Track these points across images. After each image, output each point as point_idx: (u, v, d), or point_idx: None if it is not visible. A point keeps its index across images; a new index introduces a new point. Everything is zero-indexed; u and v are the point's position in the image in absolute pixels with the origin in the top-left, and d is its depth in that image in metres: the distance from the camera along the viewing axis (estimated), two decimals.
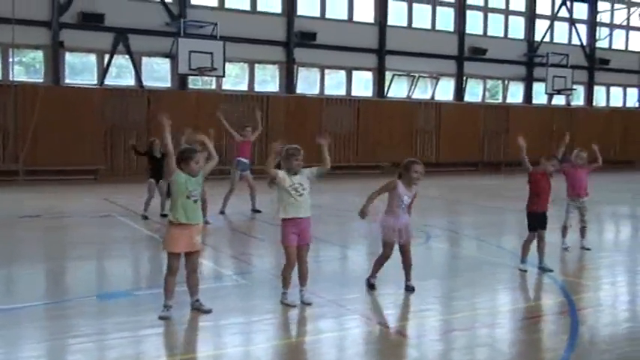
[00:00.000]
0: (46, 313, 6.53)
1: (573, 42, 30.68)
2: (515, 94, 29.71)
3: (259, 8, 23.36)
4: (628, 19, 32.15)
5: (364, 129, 24.52)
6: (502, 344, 5.92)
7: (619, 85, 32.65)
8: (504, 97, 29.38)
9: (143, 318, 6.25)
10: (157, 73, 22.24)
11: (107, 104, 20.33)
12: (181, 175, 6.24)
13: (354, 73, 25.56)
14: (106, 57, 20.96)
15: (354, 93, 25.49)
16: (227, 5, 22.78)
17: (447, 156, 26.28)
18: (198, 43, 20.64)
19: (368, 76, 25.92)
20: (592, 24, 31.24)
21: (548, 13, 29.94)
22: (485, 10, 28.30)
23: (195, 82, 22.69)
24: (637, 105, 33.20)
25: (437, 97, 27.07)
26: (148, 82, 21.67)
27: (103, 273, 8.81)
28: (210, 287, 7.25)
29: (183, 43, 20.45)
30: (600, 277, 8.61)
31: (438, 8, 27.08)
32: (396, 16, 26.11)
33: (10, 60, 19.59)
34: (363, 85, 25.92)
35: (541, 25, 29.60)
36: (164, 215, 11.85)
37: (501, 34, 28.80)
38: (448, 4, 27.27)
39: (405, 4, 26.26)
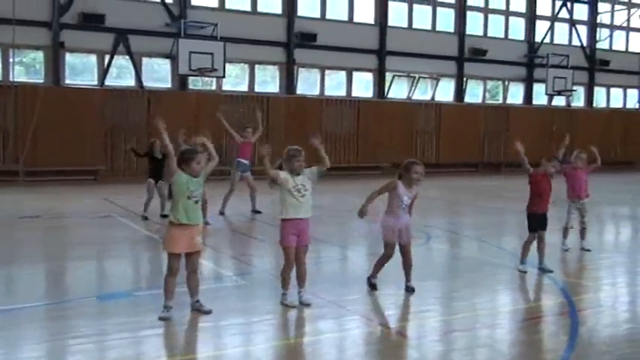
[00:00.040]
0: (46, 313, 6.53)
1: (573, 43, 30.68)
2: (516, 95, 29.71)
3: (259, 9, 23.36)
4: (628, 20, 32.15)
5: (364, 130, 24.52)
6: (502, 345, 5.92)
7: (619, 86, 32.65)
8: (504, 98, 29.38)
9: (143, 319, 6.25)
10: (158, 73, 22.25)
11: (107, 105, 20.33)
12: (182, 175, 6.25)
13: (355, 73, 25.57)
14: (107, 57, 20.97)
15: (354, 94, 25.49)
16: (227, 6, 22.79)
17: (448, 157, 26.28)
18: (198, 43, 20.65)
19: (368, 76, 25.93)
20: (592, 25, 31.24)
21: (549, 14, 29.94)
22: (486, 11, 28.31)
23: (196, 83, 22.69)
24: (637, 106, 33.19)
25: (437, 98, 27.07)
26: (148, 83, 21.68)
27: (103, 274, 8.81)
28: (210, 288, 7.25)
29: (183, 44, 20.45)
30: (600, 278, 8.61)
31: (439, 9, 27.09)
32: (397, 16, 26.11)
33: (11, 60, 19.60)
34: (363, 85, 25.92)
35: (541, 26, 29.60)
36: (164, 216, 11.86)
37: (502, 35, 28.80)
38: (448, 5, 27.27)
39: (405, 5, 26.26)
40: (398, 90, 26.25)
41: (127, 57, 21.23)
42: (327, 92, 24.95)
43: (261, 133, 14.05)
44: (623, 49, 32.51)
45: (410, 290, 7.31)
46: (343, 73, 25.40)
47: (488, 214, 14.53)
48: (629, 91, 33.06)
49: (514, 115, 27.94)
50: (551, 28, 29.87)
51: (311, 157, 6.83)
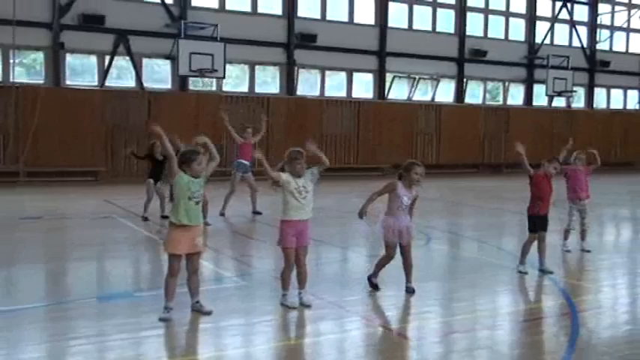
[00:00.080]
0: (46, 314, 6.53)
1: (574, 44, 30.68)
2: (516, 96, 29.71)
3: (260, 10, 23.37)
4: (628, 21, 32.16)
5: (364, 131, 24.52)
6: (502, 346, 5.92)
7: (619, 87, 32.66)
8: (505, 99, 29.38)
9: (143, 319, 6.25)
10: (158, 74, 22.25)
11: (108, 105, 20.34)
12: (184, 177, 6.25)
13: (355, 74, 25.57)
14: (107, 58, 20.97)
15: (354, 95, 25.49)
16: (227, 7, 22.79)
17: (448, 158, 26.28)
18: (198, 44, 20.66)
19: (368, 77, 25.93)
20: (592, 26, 31.25)
21: (549, 15, 29.95)
22: (486, 11, 28.31)
23: (196, 84, 22.70)
24: (637, 107, 33.19)
25: (437, 99, 27.07)
26: (148, 84, 21.68)
27: (104, 274, 8.81)
28: (211, 289, 7.26)
29: (183, 45, 20.47)
30: (600, 280, 8.61)
31: (439, 10, 27.10)
32: (397, 17, 26.12)
33: (11, 61, 19.60)
34: (363, 86, 25.92)
35: (541, 27, 29.61)
36: (164, 217, 11.86)
37: (502, 36, 28.81)
38: (448, 6, 27.28)
39: (405, 6, 26.27)
40: (398, 91, 26.26)
41: (128, 58, 21.24)
42: (328, 93, 24.95)
43: (262, 136, 14.03)
44: (624, 50, 32.52)
45: (410, 291, 7.31)
46: (343, 74, 25.41)
47: (488, 215, 14.53)
48: (629, 92, 33.07)
49: (514, 116, 27.94)
50: (552, 29, 29.88)
51: (311, 158, 6.84)
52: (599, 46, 31.38)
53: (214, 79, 22.27)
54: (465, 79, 27.72)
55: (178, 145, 7.71)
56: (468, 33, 27.58)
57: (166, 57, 21.83)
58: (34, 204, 14.74)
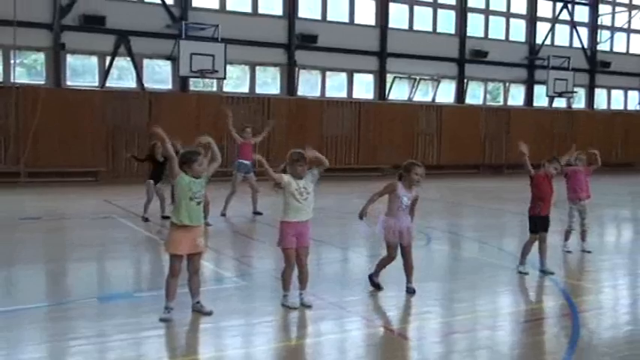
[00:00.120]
0: (46, 314, 6.53)
1: (574, 45, 30.68)
2: (516, 96, 29.71)
3: (260, 10, 23.37)
4: (629, 21, 32.16)
5: (365, 131, 24.52)
6: (503, 347, 5.91)
7: (620, 88, 32.65)
8: (505, 100, 29.38)
9: (144, 320, 6.25)
10: (158, 75, 22.26)
11: (108, 106, 20.34)
12: (185, 177, 6.25)
13: (355, 75, 25.57)
14: (108, 59, 20.98)
15: (355, 95, 25.49)
16: (228, 7, 22.80)
17: (448, 158, 26.28)
18: (199, 45, 20.66)
19: (369, 78, 25.93)
20: (593, 27, 31.25)
21: (550, 15, 29.95)
22: (487, 12, 28.31)
23: (197, 84, 22.71)
24: (638, 108, 33.18)
25: (438, 100, 27.07)
26: (149, 84, 21.69)
27: (104, 275, 8.82)
28: (211, 289, 7.26)
29: (184, 45, 20.47)
30: (601, 280, 8.60)
31: (439, 11, 27.10)
32: (397, 18, 26.12)
33: (12, 62, 19.60)
34: (364, 87, 25.92)
35: (542, 28, 29.61)
36: (165, 217, 11.87)
37: (502, 37, 28.81)
38: (449, 7, 27.28)
39: (406, 7, 26.27)
40: (399, 91, 26.27)
41: (128, 58, 21.25)
42: (328, 94, 24.95)
43: (263, 139, 14.02)
44: (624, 50, 32.51)
45: (411, 291, 7.31)
46: (344, 75, 25.41)
47: (489, 216, 14.53)
48: (629, 92, 33.06)
49: (515, 117, 27.93)
50: (552, 29, 29.88)
51: (312, 160, 6.85)
52: (599, 47, 31.37)
53: (215, 80, 22.28)
54: (465, 80, 27.72)
55: (177, 147, 7.72)
56: (468, 34, 27.58)
57: (167, 58, 21.84)
58: (35, 204, 14.75)
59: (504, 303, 7.50)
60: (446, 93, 27.57)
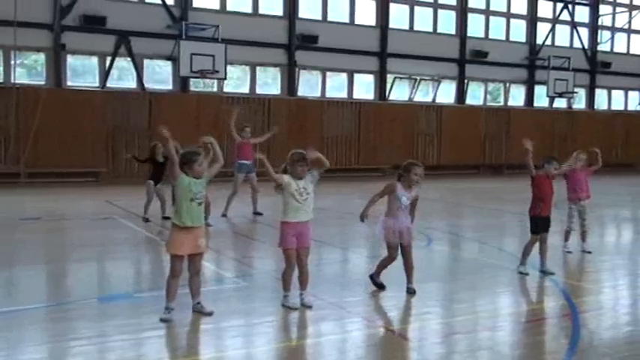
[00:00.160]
0: (47, 315, 6.54)
1: (575, 45, 30.68)
2: (517, 97, 29.71)
3: (261, 11, 23.37)
4: (629, 22, 32.16)
5: (365, 132, 24.53)
6: (503, 347, 5.91)
7: (620, 89, 32.65)
8: (506, 100, 29.38)
9: (144, 320, 6.25)
10: (159, 75, 22.27)
11: (109, 106, 20.34)
12: (185, 178, 6.26)
13: (356, 75, 25.57)
14: (108, 59, 20.98)
15: (355, 96, 25.49)
16: (229, 8, 22.80)
17: (449, 159, 26.28)
18: (199, 45, 20.66)
19: (369, 78, 25.93)
20: (593, 27, 31.25)
21: (550, 16, 29.95)
22: (487, 13, 28.32)
23: (197, 85, 22.72)
24: (638, 108, 33.18)
25: (438, 100, 27.08)
26: (149, 85, 21.69)
27: (104, 275, 8.81)
28: (212, 290, 7.26)
29: (184, 46, 20.47)
30: (601, 281, 8.60)
31: (440, 11, 27.10)
32: (398, 18, 26.12)
33: (12, 62, 19.61)
34: (364, 87, 25.92)
35: (543, 28, 29.61)
36: (165, 218, 11.87)
37: (503, 37, 28.81)
38: (450, 7, 27.27)
39: (406, 7, 26.28)
40: (399, 92, 26.27)
41: (129, 59, 21.26)
42: (328, 94, 24.96)
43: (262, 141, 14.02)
44: (625, 51, 32.51)
45: (411, 292, 7.31)
46: (344, 75, 25.41)
47: (489, 216, 14.53)
48: (630, 93, 33.05)
49: (515, 117, 27.93)
50: (553, 30, 29.88)
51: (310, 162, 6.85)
52: (600, 48, 31.37)
53: (215, 80, 22.28)
54: (465, 80, 27.72)
55: (177, 148, 7.72)
56: (468, 34, 27.57)
57: (167, 58, 21.85)
58: (35, 204, 14.75)
59: (505, 303, 7.50)
60: (446, 93, 27.57)
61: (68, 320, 6.30)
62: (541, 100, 29.68)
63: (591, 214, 10.38)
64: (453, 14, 27.44)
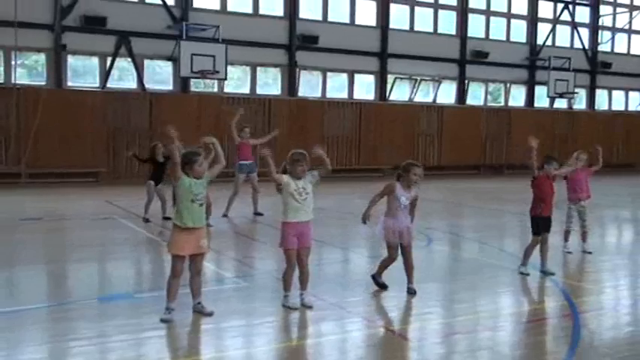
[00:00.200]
0: (47, 315, 6.54)
1: (575, 45, 30.66)
2: (517, 97, 29.70)
3: (261, 11, 23.37)
4: (630, 22, 32.15)
5: (366, 132, 24.51)
6: (503, 347, 5.91)
7: (621, 89, 32.63)
8: (506, 101, 29.36)
9: (144, 320, 6.25)
10: (159, 75, 22.26)
11: (109, 107, 20.34)
12: (186, 179, 6.26)
13: (356, 76, 25.56)
14: (109, 60, 20.98)
15: (356, 96, 25.47)
16: (229, 8, 22.80)
17: (449, 159, 26.27)
18: (200, 46, 20.66)
19: (370, 79, 25.93)
20: (594, 27, 31.24)
21: (551, 16, 29.94)
22: (488, 13, 28.31)
23: (198, 85, 22.72)
24: (639, 108, 33.16)
25: (439, 101, 27.07)
26: (150, 85, 21.69)
27: (104, 275, 8.81)
28: (212, 290, 7.27)
29: (185, 46, 20.47)
30: (602, 281, 8.60)
31: (440, 11, 27.09)
32: (398, 19, 26.12)
33: (13, 63, 19.61)
34: (365, 88, 25.91)
35: (543, 29, 29.60)
36: (166, 218, 11.88)
37: (503, 38, 28.80)
38: (450, 8, 27.26)
39: (407, 8, 26.27)
40: (400, 92, 26.26)
41: (129, 59, 21.25)
42: (329, 94, 24.95)
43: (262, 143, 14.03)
44: (625, 51, 32.48)
45: (411, 292, 7.32)
46: (345, 76, 25.41)
47: (489, 216, 14.53)
48: (630, 93, 33.04)
49: (516, 118, 27.92)
50: (553, 30, 29.87)
51: (314, 160, 6.85)
52: (600, 48, 31.36)
53: (216, 81, 22.27)
54: (466, 81, 27.71)
55: (180, 149, 7.70)
56: (469, 34, 27.56)
57: (168, 58, 21.85)
58: (35, 205, 14.75)
59: (505, 304, 7.51)
60: (447, 94, 27.56)
61: (68, 320, 6.30)
62: (541, 100, 29.67)
63: (591, 214, 10.38)
64: (453, 14, 27.43)
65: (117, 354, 5.48)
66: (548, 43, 29.52)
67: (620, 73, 31.64)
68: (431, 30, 26.86)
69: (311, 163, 6.76)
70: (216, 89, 22.90)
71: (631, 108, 33.10)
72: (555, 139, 27.36)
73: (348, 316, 6.60)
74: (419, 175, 7.23)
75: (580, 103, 31.35)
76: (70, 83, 20.71)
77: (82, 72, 21.27)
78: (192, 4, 21.95)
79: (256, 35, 22.79)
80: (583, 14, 31.02)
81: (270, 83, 24.16)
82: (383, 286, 7.47)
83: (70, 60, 20.80)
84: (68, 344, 5.69)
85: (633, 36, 32.63)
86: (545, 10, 29.71)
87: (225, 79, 21.73)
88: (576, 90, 28.92)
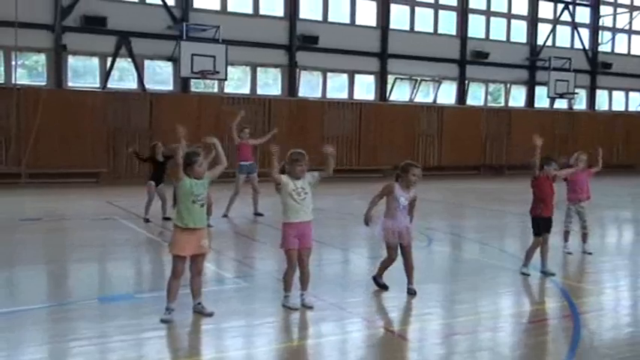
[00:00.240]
0: (47, 315, 6.54)
1: (576, 46, 30.66)
2: (518, 97, 29.70)
3: (261, 12, 23.37)
4: (630, 23, 32.14)
5: (366, 132, 24.51)
6: (504, 348, 5.91)
7: (621, 89, 32.63)
8: (506, 101, 29.36)
9: (145, 321, 6.25)
10: (160, 76, 22.27)
11: (109, 107, 20.34)
12: (186, 180, 6.26)
13: (357, 76, 25.56)
14: (109, 60, 20.98)
15: (356, 96, 25.47)
16: (229, 9, 22.80)
17: (450, 160, 26.26)
18: (200, 46, 20.66)
19: (370, 79, 25.93)
20: (594, 28, 31.24)
21: (551, 17, 29.94)
22: (488, 13, 28.30)
23: (198, 86, 22.72)
24: (639, 109, 33.16)
25: (439, 101, 27.07)
26: (150, 86, 21.69)
27: (105, 276, 8.81)
28: (212, 290, 7.26)
29: (185, 47, 20.48)
30: (602, 282, 8.60)
31: (441, 12, 27.09)
32: (399, 19, 26.12)
33: (13, 63, 19.62)
34: (365, 88, 25.91)
35: (543, 29, 29.60)
36: (166, 218, 11.88)
37: (504, 38, 28.79)
38: (450, 8, 27.26)
39: (407, 8, 26.27)
40: (400, 93, 26.26)
41: (129, 59, 21.26)
42: (329, 95, 24.95)
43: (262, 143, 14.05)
44: (625, 52, 32.48)
45: (412, 293, 7.31)
46: (345, 76, 25.41)
47: (489, 217, 14.53)
48: (631, 94, 33.03)
49: (516, 118, 27.91)
50: (553, 30, 29.87)
51: (313, 161, 6.85)
52: (600, 48, 31.35)
53: (216, 81, 22.28)
54: (466, 81, 27.70)
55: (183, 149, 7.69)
56: (469, 35, 27.55)
57: (168, 59, 21.85)
58: (35, 205, 14.75)
59: (505, 304, 7.51)
60: (447, 94, 27.56)
61: (69, 321, 6.30)
62: (542, 100, 29.67)
63: (592, 215, 10.38)
64: (453, 15, 27.43)
65: (117, 354, 5.48)
66: (549, 43, 29.52)
67: (620, 74, 31.63)
68: (431, 30, 26.86)
69: (310, 164, 6.75)
70: (216, 90, 22.90)
71: (631, 108, 33.09)
72: (555, 139, 27.28)
73: (348, 316, 6.60)
74: (418, 176, 7.23)
75: (580, 104, 31.35)
76: (70, 83, 20.72)
77: (83, 72, 21.28)
78: (192, 5, 21.96)
79: (256, 35, 22.79)
80: (583, 15, 31.02)
81: (271, 83, 24.16)
82: (384, 287, 7.48)
83: (71, 60, 20.81)
84: (68, 344, 5.69)
85: (633, 36, 32.62)
86: (545, 10, 29.71)
87: (226, 79, 21.74)
88: (576, 90, 28.92)
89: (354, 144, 24.31)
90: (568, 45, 30.57)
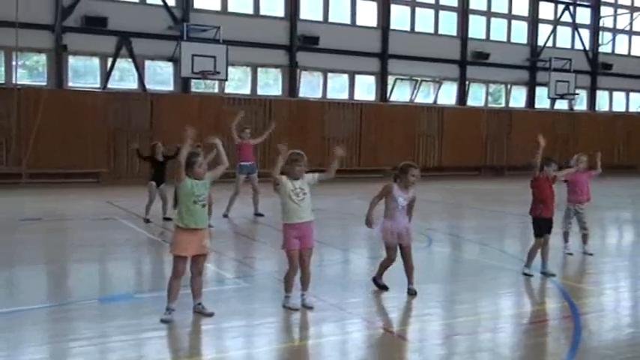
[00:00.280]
0: (47, 315, 6.54)
1: (576, 47, 30.65)
2: (518, 98, 29.69)
3: (262, 12, 23.37)
4: (631, 23, 32.13)
5: (367, 133, 24.51)
6: (504, 348, 5.91)
7: (622, 90, 32.62)
8: (507, 102, 29.36)
9: (145, 321, 6.25)
10: (160, 76, 22.27)
11: (110, 107, 20.35)
12: (188, 181, 6.26)
13: (357, 77, 25.56)
14: (109, 60, 20.98)
15: (356, 97, 25.47)
16: (230, 9, 22.80)
17: (450, 160, 26.26)
18: (201, 46, 20.66)
19: (370, 80, 25.93)
20: (595, 29, 31.23)
21: (551, 17, 29.94)
22: (488, 14, 28.30)
23: (198, 86, 22.72)
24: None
25: (439, 102, 27.06)
26: (150, 86, 21.69)
27: (105, 276, 8.81)
28: (213, 290, 7.26)
29: (186, 47, 20.48)
30: (602, 282, 8.60)
31: (441, 12, 27.08)
32: (399, 20, 26.11)
33: (14, 63, 19.62)
34: (365, 89, 25.91)
35: (544, 30, 29.59)
36: (167, 219, 11.88)
37: (504, 39, 28.78)
38: (451, 9, 27.25)
39: (407, 8, 26.27)
40: (400, 93, 26.25)
41: (130, 60, 21.26)
42: (330, 95, 24.94)
43: (263, 141, 14.06)
44: (626, 52, 32.46)
45: (412, 293, 7.31)
46: (345, 76, 25.40)
47: (490, 218, 14.53)
48: (631, 94, 33.02)
49: (516, 119, 27.91)
50: (554, 31, 29.87)
51: (313, 161, 6.85)
52: (601, 49, 31.34)
53: (216, 82, 22.28)
54: (467, 82, 27.70)
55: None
56: (470, 35, 27.54)
57: (169, 59, 21.85)
58: (36, 205, 14.75)
59: (506, 305, 7.51)
60: (447, 95, 27.55)
61: (69, 321, 6.30)
62: (542, 101, 29.66)
63: (592, 216, 10.38)
64: (454, 15, 27.43)
65: (117, 354, 5.48)
66: (549, 44, 29.52)
67: (620, 75, 31.62)
68: (432, 31, 26.86)
69: (310, 164, 6.75)
70: (216, 90, 22.90)
71: (632, 109, 33.08)
72: (556, 140, 27.30)
73: (348, 317, 6.60)
74: (416, 176, 7.24)
75: (581, 105, 31.34)
76: (70, 84, 20.72)
77: (83, 72, 21.28)
78: (192, 5, 21.96)
79: (257, 36, 22.79)
80: (584, 15, 31.02)
81: (271, 84, 24.16)
82: (384, 288, 7.48)
83: (71, 60, 20.81)
84: (69, 345, 5.69)
85: (634, 37, 32.61)
86: (545, 11, 29.70)
87: (226, 79, 21.74)
88: (577, 91, 28.91)
89: (354, 144, 24.28)
90: (568, 46, 30.57)
